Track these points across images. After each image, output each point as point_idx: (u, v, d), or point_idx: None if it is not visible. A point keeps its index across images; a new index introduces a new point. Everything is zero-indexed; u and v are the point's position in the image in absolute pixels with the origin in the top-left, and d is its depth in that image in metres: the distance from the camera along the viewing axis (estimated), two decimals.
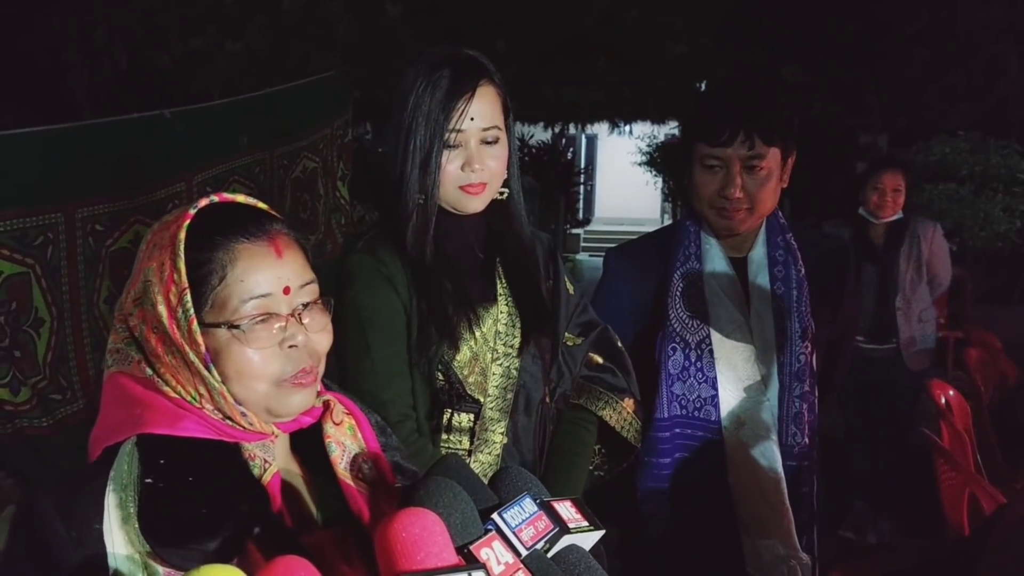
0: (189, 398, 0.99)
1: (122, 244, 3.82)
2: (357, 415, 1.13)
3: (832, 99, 7.46)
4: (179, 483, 0.94)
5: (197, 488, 0.94)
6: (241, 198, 1.06)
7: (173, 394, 0.99)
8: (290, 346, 1.02)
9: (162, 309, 0.97)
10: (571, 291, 1.78)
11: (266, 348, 1.00)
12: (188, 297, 0.96)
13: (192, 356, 0.97)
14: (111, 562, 0.91)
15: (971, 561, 1.72)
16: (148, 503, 0.92)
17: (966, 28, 7.23)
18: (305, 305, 1.04)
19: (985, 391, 3.88)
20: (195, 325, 0.96)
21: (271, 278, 1.01)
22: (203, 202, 1.02)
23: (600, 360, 1.78)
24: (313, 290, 1.06)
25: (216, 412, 0.99)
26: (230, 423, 1.00)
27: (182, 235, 0.98)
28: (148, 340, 0.99)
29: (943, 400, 3.30)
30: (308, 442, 1.09)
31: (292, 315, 1.02)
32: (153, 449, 0.96)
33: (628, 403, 1.78)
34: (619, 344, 1.83)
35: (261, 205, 1.07)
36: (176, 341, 0.97)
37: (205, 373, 0.97)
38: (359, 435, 1.10)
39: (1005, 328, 5.32)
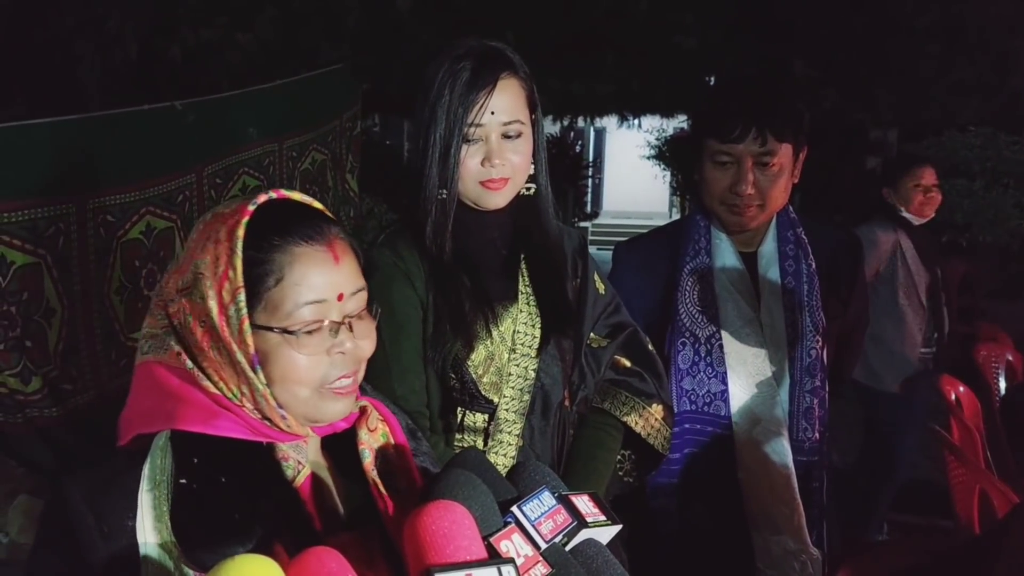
0: (230, 395, 0.97)
1: (133, 235, 3.82)
2: (390, 420, 1.12)
3: (842, 94, 7.42)
4: (213, 484, 0.94)
5: (230, 490, 0.94)
6: (297, 196, 1.03)
7: (214, 389, 0.97)
8: (338, 352, 1.00)
9: (213, 304, 0.96)
10: (602, 291, 1.71)
11: (315, 354, 0.99)
12: (242, 296, 0.95)
13: (239, 356, 0.95)
14: (144, 560, 0.90)
15: (986, 560, 1.71)
16: (181, 504, 0.92)
17: (977, 23, 7.20)
18: (355, 312, 1.03)
19: (995, 387, 3.87)
20: (246, 325, 0.95)
21: (327, 284, 0.99)
22: (262, 198, 0.99)
23: (628, 363, 1.71)
24: (363, 297, 1.04)
25: (255, 412, 0.98)
26: (267, 423, 0.99)
27: (240, 232, 0.96)
28: (193, 332, 0.97)
29: (953, 396, 3.28)
30: (338, 442, 1.08)
31: (343, 322, 1.01)
32: (187, 446, 0.95)
33: (656, 409, 1.71)
34: (650, 347, 1.77)
35: (317, 205, 1.04)
36: (224, 338, 0.95)
37: (251, 374, 0.96)
38: (392, 441, 1.10)
39: (1015, 323, 5.29)
